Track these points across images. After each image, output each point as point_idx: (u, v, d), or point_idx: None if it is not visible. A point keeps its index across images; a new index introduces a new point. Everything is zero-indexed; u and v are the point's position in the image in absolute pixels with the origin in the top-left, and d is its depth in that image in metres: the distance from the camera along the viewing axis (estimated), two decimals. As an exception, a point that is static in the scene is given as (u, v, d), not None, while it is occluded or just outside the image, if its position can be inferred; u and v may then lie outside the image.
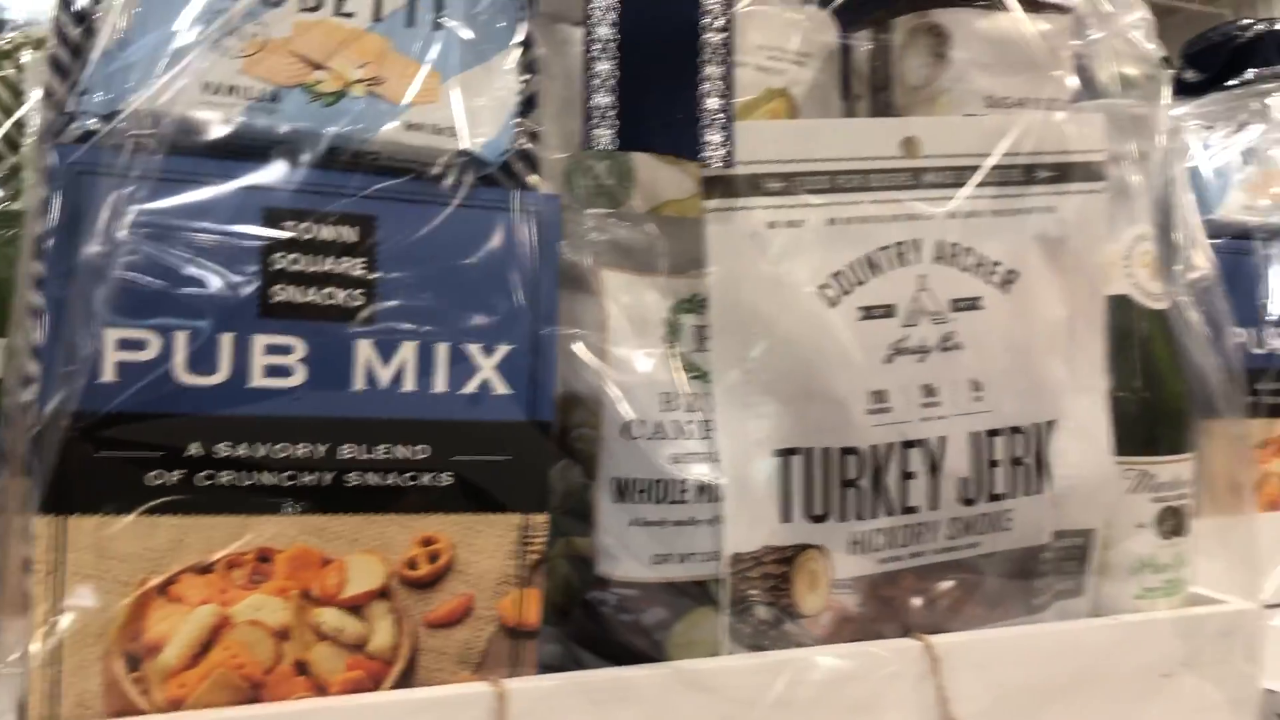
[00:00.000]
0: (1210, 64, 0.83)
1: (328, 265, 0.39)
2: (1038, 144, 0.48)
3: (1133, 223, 0.52)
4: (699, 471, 0.44)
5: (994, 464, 0.48)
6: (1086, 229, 0.49)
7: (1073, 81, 0.51)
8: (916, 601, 0.48)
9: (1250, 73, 0.82)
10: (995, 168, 0.47)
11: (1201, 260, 0.55)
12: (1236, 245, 0.73)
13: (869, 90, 0.51)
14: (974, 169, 0.47)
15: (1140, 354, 0.52)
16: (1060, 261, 0.48)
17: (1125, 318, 0.52)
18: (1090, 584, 0.51)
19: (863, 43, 0.51)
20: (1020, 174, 0.48)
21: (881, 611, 0.47)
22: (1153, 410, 0.52)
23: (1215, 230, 0.73)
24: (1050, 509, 0.49)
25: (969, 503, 0.47)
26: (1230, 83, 0.82)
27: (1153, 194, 0.54)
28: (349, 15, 0.42)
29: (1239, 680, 0.53)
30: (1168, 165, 0.56)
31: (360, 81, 0.41)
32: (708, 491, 0.44)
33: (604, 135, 0.43)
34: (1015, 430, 0.48)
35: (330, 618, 0.40)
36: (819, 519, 0.45)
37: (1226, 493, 0.73)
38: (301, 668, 0.40)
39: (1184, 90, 0.83)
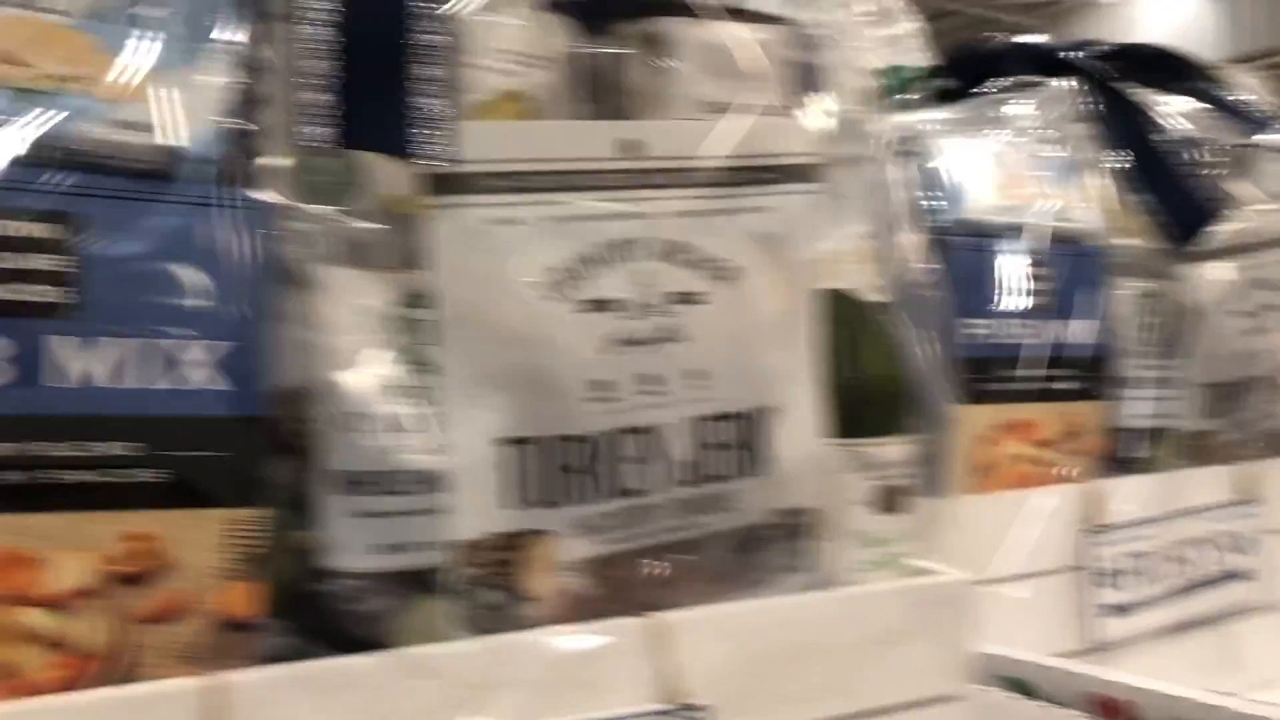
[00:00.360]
0: (965, 73, 0.89)
1: (22, 262, 0.39)
2: (755, 147, 0.51)
3: (853, 221, 0.56)
4: (424, 462, 0.45)
5: (715, 448, 0.51)
6: (802, 227, 0.52)
7: (793, 88, 0.54)
8: (644, 581, 0.50)
9: (999, 82, 0.88)
10: (714, 169, 0.50)
11: (921, 257, 0.59)
12: (977, 243, 0.79)
13: (601, 94, 0.53)
14: (693, 170, 0.49)
15: (858, 344, 0.56)
16: (778, 258, 0.52)
17: (844, 310, 0.55)
18: (812, 559, 0.55)
19: (595, 48, 0.53)
20: (738, 175, 0.51)
21: (610, 592, 0.49)
22: (869, 396, 0.56)
23: (960, 229, 0.79)
24: (770, 489, 0.52)
25: (692, 485, 0.50)
26: (981, 90, 0.88)
27: (874, 194, 0.58)
28: (52, 11, 0.42)
29: (953, 646, 0.57)
30: (888, 167, 0.60)
31: (62, 78, 0.41)
32: (433, 481, 0.45)
33: (324, 134, 0.44)
34: (735, 416, 0.51)
35: (35, 618, 0.40)
36: (546, 504, 0.47)
37: (965, 474, 0.78)
38: (5, 670, 0.40)
39: (943, 97, 0.89)
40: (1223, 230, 0.85)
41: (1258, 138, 0.91)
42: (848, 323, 0.56)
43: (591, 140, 0.48)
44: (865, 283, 0.56)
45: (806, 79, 0.55)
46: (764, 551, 0.53)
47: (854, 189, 0.56)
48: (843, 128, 0.55)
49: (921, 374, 0.58)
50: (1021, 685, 0.65)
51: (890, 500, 0.56)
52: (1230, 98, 0.92)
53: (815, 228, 0.53)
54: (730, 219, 0.50)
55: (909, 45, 1.02)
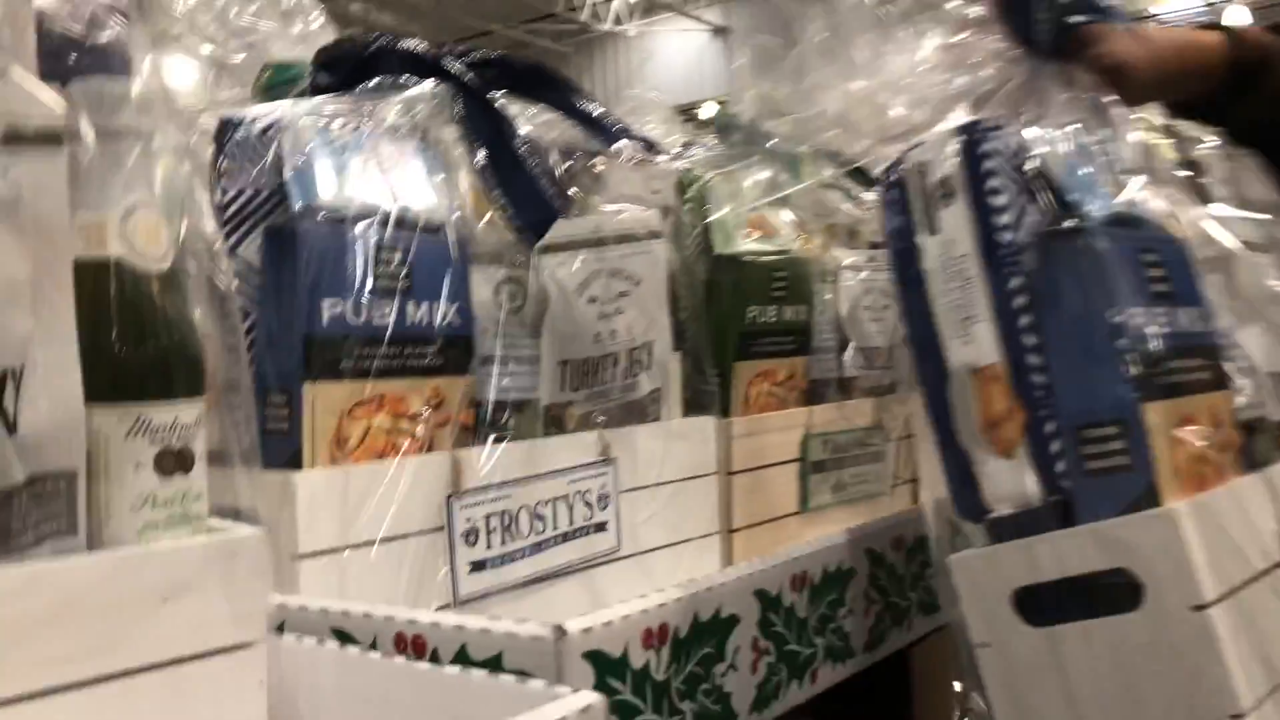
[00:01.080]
0: (343, 69, 0.94)
1: None
2: (-20, 109, 0.51)
3: (131, 190, 0.57)
4: None
5: (-58, 412, 0.50)
6: (46, 192, 0.52)
7: (47, 53, 0.55)
8: None
9: (373, 81, 0.94)
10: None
11: (210, 230, 0.62)
12: (337, 228, 0.84)
13: None
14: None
15: (136, 311, 0.57)
16: (17, 222, 0.52)
17: (120, 278, 0.56)
18: (85, 522, 0.55)
19: None
20: (-38, 136, 0.50)
21: None
22: (145, 360, 0.57)
23: (319, 214, 0.83)
24: (19, 454, 0.52)
25: (-89, 451, 0.49)
26: (357, 87, 0.93)
27: (159, 168, 0.60)
28: None
29: (245, 599, 0.60)
30: (179, 141, 0.62)
31: None
32: None
33: None
34: (-33, 380, 0.50)
35: None
36: None
37: (329, 446, 0.82)
38: None
39: (320, 90, 0.93)
40: (572, 225, 0.97)
41: (612, 147, 1.04)
42: (127, 291, 0.57)
43: None
44: (146, 252, 0.58)
45: (65, 49, 0.56)
46: (23, 516, 0.53)
47: (132, 161, 0.58)
48: (129, 100, 0.56)
49: (204, 341, 0.60)
50: (343, 634, 0.70)
51: (175, 461, 0.58)
52: (591, 110, 1.04)
53: (61, 193, 0.53)
54: (-45, 180, 0.50)
55: (315, 42, 1.06)
